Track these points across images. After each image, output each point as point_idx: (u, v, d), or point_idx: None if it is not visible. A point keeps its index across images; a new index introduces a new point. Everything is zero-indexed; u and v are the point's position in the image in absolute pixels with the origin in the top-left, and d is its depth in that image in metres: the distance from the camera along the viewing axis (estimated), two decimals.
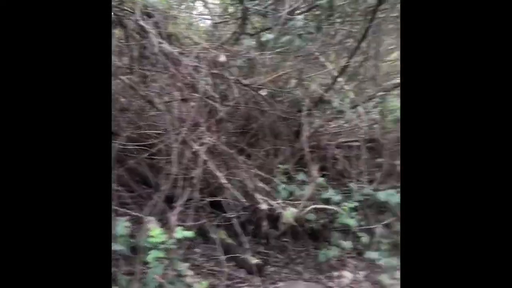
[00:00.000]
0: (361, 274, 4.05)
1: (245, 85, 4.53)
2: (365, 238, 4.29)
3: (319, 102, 5.29)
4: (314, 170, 4.28)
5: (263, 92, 4.68)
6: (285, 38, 4.51)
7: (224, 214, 3.71)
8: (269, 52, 4.47)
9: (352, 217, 4.15)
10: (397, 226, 4.81)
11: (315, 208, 3.94)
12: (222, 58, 3.86)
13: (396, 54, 5.87)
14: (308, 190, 4.05)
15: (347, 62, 5.05)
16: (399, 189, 4.95)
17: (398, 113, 4.91)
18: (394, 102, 5.00)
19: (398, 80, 5.61)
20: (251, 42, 4.89)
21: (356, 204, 4.32)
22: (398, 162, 5.18)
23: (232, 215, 3.59)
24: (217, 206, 3.87)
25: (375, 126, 5.75)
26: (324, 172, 5.06)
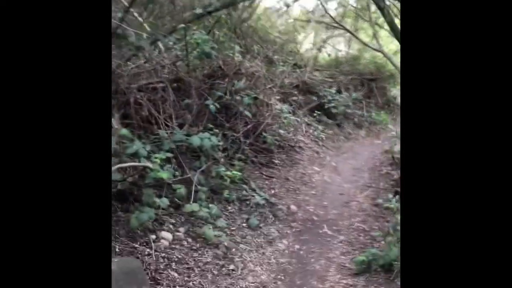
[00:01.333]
0: (182, 231, 3.56)
1: None
2: (182, 190, 3.79)
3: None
4: (115, 119, 3.47)
5: None
6: None
7: None
8: None
9: (165, 170, 3.56)
10: (214, 171, 4.47)
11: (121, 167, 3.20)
12: None
13: None
14: None
15: None
16: (213, 131, 4.64)
17: (204, 47, 4.38)
18: (198, 35, 4.43)
19: (200, 10, 5.05)
20: None
21: (169, 154, 3.73)
22: (208, 102, 4.73)
23: None
24: None
25: (179, 63, 5.16)
26: (128, 121, 4.31)
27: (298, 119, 8.19)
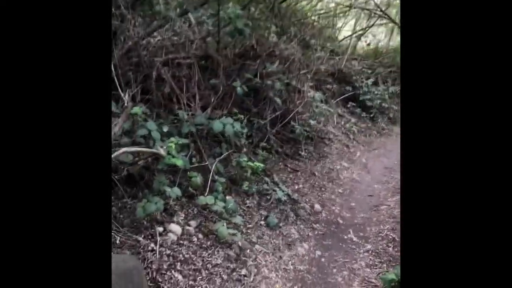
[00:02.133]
0: (193, 225, 3.19)
1: None
2: (197, 179, 3.41)
3: (136, 1, 3.97)
4: (128, 95, 3.10)
5: None
6: None
7: None
8: None
9: (180, 156, 3.18)
10: (235, 160, 4.07)
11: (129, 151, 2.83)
12: None
13: None
14: (118, 123, 2.89)
15: None
16: (237, 116, 4.22)
17: (237, 23, 3.93)
18: (232, 9, 3.97)
19: None
20: None
21: (185, 141, 3.34)
22: (235, 83, 4.31)
23: None
24: None
25: (209, 39, 4.73)
26: (148, 96, 3.94)
27: (330, 109, 7.67)
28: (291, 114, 5.55)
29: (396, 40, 13.01)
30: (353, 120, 8.69)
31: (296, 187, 4.69)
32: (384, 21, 11.83)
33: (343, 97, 9.17)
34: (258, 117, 4.95)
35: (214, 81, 4.22)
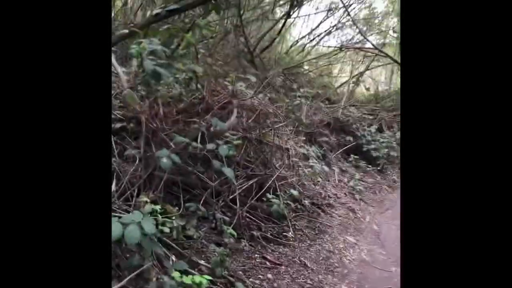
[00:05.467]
0: None
1: None
2: None
3: None
4: None
5: None
6: None
7: None
8: None
9: None
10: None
11: None
12: None
13: None
14: None
15: None
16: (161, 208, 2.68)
17: (147, 64, 2.49)
18: (147, 42, 2.57)
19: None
20: None
21: None
22: (161, 153, 2.80)
23: None
24: None
25: (126, 92, 3.32)
26: None
27: (326, 167, 6.11)
28: (268, 183, 4.01)
29: (397, 81, 11.67)
30: (358, 175, 7.09)
31: None
32: (381, 62, 10.54)
33: (344, 149, 7.66)
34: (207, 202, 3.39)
35: (130, 151, 2.73)
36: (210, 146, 2.90)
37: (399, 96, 10.26)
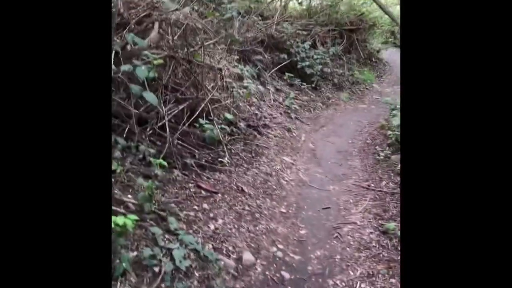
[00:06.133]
0: None
1: None
2: None
3: None
4: None
5: None
6: None
7: None
8: None
9: None
10: None
11: None
12: None
13: None
14: None
15: None
16: None
17: None
18: None
19: None
20: None
21: None
22: None
23: None
24: None
25: None
26: None
27: (261, 87, 5.82)
28: (202, 106, 3.66)
29: None
30: (292, 94, 6.91)
31: (212, 226, 2.84)
32: None
33: (278, 67, 7.36)
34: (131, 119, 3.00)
35: None
36: (125, 67, 2.44)
37: (331, 9, 9.94)
